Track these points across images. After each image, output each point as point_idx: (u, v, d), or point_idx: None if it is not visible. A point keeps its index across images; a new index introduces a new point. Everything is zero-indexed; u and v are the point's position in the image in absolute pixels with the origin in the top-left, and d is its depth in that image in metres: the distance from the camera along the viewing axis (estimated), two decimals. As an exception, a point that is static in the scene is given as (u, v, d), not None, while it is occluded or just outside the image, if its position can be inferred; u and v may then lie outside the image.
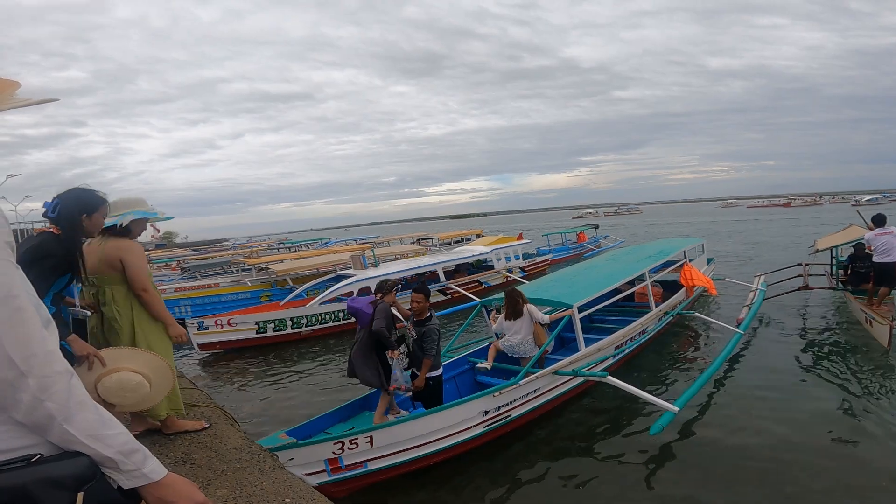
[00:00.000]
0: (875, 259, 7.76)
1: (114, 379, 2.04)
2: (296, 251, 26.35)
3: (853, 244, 9.22)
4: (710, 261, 12.52)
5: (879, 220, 7.90)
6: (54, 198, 2.62)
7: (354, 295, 11.73)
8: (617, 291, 7.57)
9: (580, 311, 6.27)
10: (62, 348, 1.56)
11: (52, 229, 2.63)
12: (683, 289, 9.31)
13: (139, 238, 3.32)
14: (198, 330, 9.86)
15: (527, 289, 7.14)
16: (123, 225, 3.12)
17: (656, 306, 8.12)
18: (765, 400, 5.89)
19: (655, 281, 8.86)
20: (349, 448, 4.18)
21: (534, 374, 5.37)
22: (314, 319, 11.04)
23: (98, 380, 2.01)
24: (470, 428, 4.87)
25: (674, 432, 5.11)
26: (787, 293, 10.29)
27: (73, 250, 2.59)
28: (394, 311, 4.93)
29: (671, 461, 4.70)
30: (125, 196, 3.23)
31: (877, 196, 77.69)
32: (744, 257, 19.10)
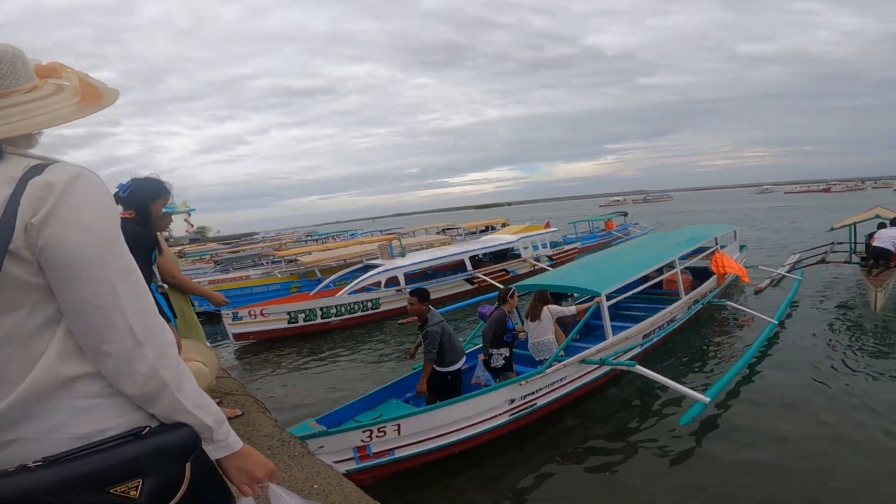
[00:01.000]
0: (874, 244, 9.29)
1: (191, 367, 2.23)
2: (323, 243, 26.75)
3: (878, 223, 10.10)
4: (742, 248, 12.15)
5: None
6: (129, 181, 2.84)
7: (382, 284, 11.89)
8: (645, 279, 7.43)
9: (608, 298, 6.19)
10: None
11: (124, 215, 2.80)
12: (714, 276, 9.09)
13: (174, 233, 3.54)
14: (233, 320, 10.11)
15: (553, 275, 7.08)
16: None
17: (686, 294, 7.95)
18: (800, 391, 5.71)
19: (685, 268, 8.67)
20: (377, 436, 4.25)
21: (560, 362, 5.35)
22: (343, 309, 11.21)
23: None
24: (496, 416, 4.89)
25: (704, 423, 5.02)
26: (807, 266, 11.17)
27: (154, 232, 2.88)
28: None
29: (701, 452, 4.62)
30: None
31: None
32: (779, 244, 18.46)
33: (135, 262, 0.93)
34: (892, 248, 9.04)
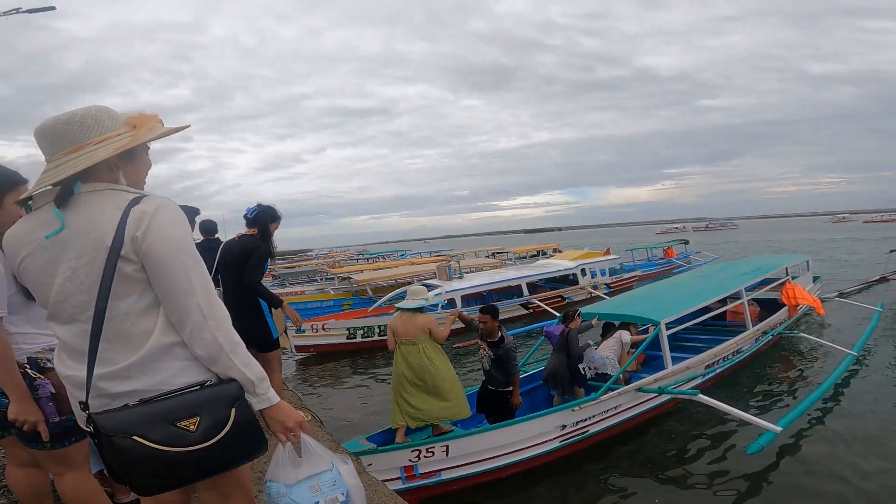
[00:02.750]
0: None
1: None
2: (374, 262, 27.31)
3: None
4: (815, 279, 11.32)
5: None
6: (255, 206, 3.72)
7: (440, 305, 11.91)
8: (707, 309, 7.06)
9: (668, 327, 5.94)
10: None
11: (249, 232, 3.72)
12: (786, 307, 8.51)
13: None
14: (296, 333, 10.41)
15: (611, 304, 6.89)
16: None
17: (753, 325, 7.48)
18: (878, 428, 5.24)
19: (752, 299, 8.18)
20: (425, 456, 4.22)
21: (616, 390, 5.14)
22: None
23: None
24: (546, 442, 4.76)
25: (773, 455, 4.68)
26: (865, 285, 12.67)
27: (270, 246, 3.77)
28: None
29: (768, 486, 4.29)
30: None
31: None
32: (857, 278, 17.04)
33: (201, 258, 1.27)
34: None
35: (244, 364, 1.26)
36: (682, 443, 5.27)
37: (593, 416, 5.06)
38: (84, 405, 1.19)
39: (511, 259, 26.74)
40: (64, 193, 1.20)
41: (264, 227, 3.72)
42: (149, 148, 1.37)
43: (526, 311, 13.30)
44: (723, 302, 7.82)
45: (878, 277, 13.51)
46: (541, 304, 13.26)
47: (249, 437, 1.26)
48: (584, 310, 6.64)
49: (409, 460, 4.19)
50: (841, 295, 11.77)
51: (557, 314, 10.49)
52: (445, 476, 4.33)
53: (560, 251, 28.63)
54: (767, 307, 8.59)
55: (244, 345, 1.29)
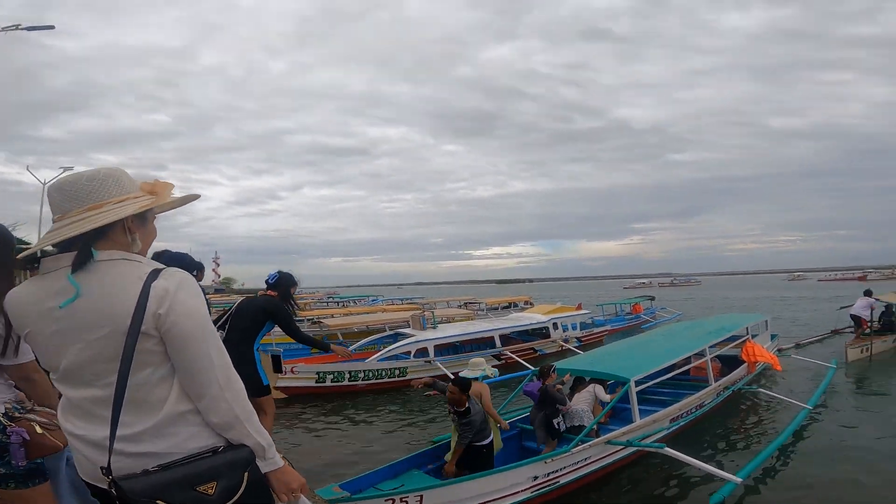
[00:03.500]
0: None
1: None
2: (344, 306, 26.95)
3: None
4: (773, 337, 11.87)
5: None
6: (276, 272, 4.29)
7: (412, 354, 12.00)
8: (674, 366, 7.35)
9: (637, 384, 6.18)
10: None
11: (269, 293, 4.26)
12: (745, 364, 8.89)
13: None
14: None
15: (583, 360, 7.12)
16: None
17: (715, 381, 7.79)
18: (833, 477, 5.55)
19: (715, 356, 8.54)
20: (399, 505, 4.21)
21: (587, 442, 5.27)
22: (371, 374, 11.21)
23: None
24: (518, 493, 4.81)
25: (734, 502, 4.88)
26: (819, 338, 14.95)
27: (289, 307, 4.35)
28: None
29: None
30: None
31: None
32: (809, 332, 17.89)
33: (216, 332, 1.33)
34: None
35: (257, 431, 1.33)
36: (647, 492, 5.42)
37: (564, 468, 5.16)
38: (106, 470, 1.19)
39: (483, 310, 26.81)
40: (82, 259, 1.20)
41: (286, 291, 4.29)
42: (155, 218, 1.41)
43: (497, 363, 13.39)
44: (688, 359, 8.15)
45: (830, 331, 16.06)
46: (512, 355, 13.38)
47: (262, 498, 1.34)
48: (557, 365, 6.84)
49: (384, 510, 4.18)
50: (798, 346, 13.65)
51: (529, 366, 10.65)
52: (418, 527, 4.31)
53: (532, 304, 28.89)
54: (728, 363, 8.95)
55: (255, 412, 1.39)
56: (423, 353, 12.11)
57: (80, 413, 1.26)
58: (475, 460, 4.87)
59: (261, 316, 4.10)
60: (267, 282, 4.29)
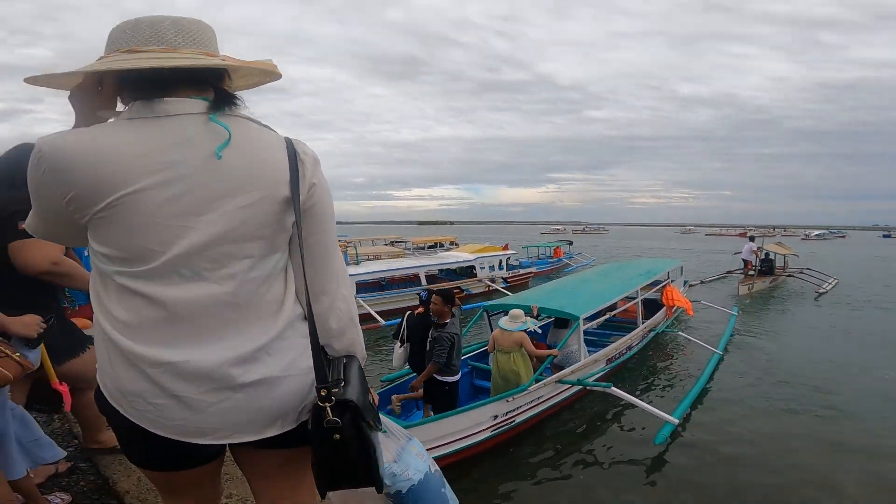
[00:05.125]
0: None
1: None
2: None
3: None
4: (685, 283, 13.01)
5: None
6: None
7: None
8: (612, 307, 7.82)
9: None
10: None
11: None
12: (664, 308, 9.67)
13: None
14: None
15: (531, 297, 7.29)
16: None
17: (642, 323, 8.44)
18: (748, 411, 6.35)
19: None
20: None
21: (540, 381, 5.52)
22: None
23: None
24: (480, 432, 4.97)
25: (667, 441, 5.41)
26: (718, 277, 18.69)
27: None
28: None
29: (666, 467, 4.99)
30: None
31: (824, 231, 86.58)
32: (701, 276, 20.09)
33: None
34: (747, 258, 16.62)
35: (362, 340, 1.10)
36: (592, 429, 5.90)
37: (520, 407, 5.39)
38: (323, 397, 0.91)
39: (410, 249, 26.86)
40: (228, 99, 0.92)
41: None
42: None
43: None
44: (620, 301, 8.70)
45: (725, 272, 19.52)
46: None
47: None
48: (504, 301, 7.01)
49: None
50: (702, 283, 17.60)
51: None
52: (386, 467, 4.33)
53: (457, 244, 29.31)
54: (648, 307, 9.71)
55: None
56: None
57: (169, 326, 0.88)
58: (439, 397, 4.93)
59: None
60: None
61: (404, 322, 5.28)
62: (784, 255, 17.41)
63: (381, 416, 1.19)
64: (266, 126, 0.98)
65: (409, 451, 1.42)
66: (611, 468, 5.01)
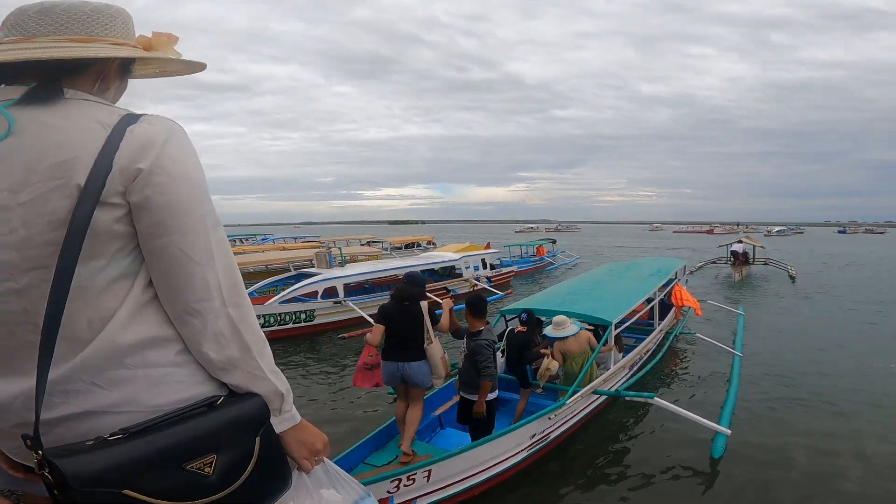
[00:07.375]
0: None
1: None
2: (233, 245, 24.51)
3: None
4: (686, 282, 12.71)
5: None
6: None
7: (318, 295, 10.84)
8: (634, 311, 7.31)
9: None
10: None
11: None
12: (673, 309, 9.26)
13: None
14: None
15: (549, 300, 6.72)
16: None
17: (658, 325, 8.00)
18: (791, 413, 6.02)
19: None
20: (405, 485, 3.50)
21: (577, 393, 4.94)
22: (273, 320, 9.95)
23: None
24: (518, 453, 4.36)
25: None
26: (705, 264, 22.49)
27: None
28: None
29: (721, 480, 4.50)
30: None
31: (784, 228, 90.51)
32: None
33: (218, 217, 0.87)
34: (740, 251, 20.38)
35: (273, 371, 0.91)
36: (624, 441, 5.32)
37: (555, 423, 4.79)
38: (34, 439, 0.71)
39: (387, 249, 26.37)
40: (48, 91, 0.78)
41: None
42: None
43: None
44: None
45: (708, 261, 23.21)
46: (430, 295, 12.96)
47: (276, 473, 0.91)
48: (517, 305, 6.48)
49: (388, 491, 3.43)
50: (691, 273, 18.50)
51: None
52: (422, 502, 3.66)
53: (434, 244, 28.90)
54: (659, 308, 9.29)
55: (267, 341, 0.93)
56: (331, 293, 11.11)
57: None
58: (475, 419, 4.25)
59: None
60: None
61: (504, 340, 5.31)
62: (754, 247, 22.10)
63: (331, 463, 1.03)
64: (115, 107, 0.83)
65: None
66: (659, 484, 4.45)
